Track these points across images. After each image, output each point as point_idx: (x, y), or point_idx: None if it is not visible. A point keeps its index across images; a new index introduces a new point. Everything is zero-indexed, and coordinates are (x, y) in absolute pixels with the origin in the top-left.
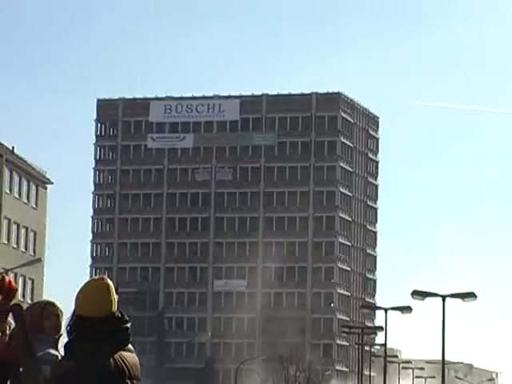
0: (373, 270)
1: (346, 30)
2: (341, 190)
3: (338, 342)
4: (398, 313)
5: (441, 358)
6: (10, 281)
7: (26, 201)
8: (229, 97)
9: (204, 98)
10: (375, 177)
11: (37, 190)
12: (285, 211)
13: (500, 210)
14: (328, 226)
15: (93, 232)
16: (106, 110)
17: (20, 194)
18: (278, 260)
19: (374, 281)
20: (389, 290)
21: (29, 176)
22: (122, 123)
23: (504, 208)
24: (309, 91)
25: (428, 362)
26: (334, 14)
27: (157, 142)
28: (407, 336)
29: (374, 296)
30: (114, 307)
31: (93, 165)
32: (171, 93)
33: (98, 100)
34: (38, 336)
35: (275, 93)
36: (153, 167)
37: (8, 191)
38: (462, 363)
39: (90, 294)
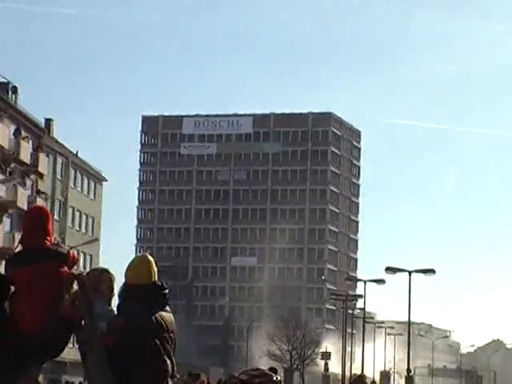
0: (355, 250)
1: (337, 64)
2: (331, 188)
3: (328, 306)
4: (374, 284)
5: (407, 320)
6: (73, 254)
7: (86, 194)
8: (244, 115)
9: (225, 115)
10: (358, 178)
11: (95, 185)
12: (287, 204)
13: (457, 200)
14: (320, 217)
15: (137, 219)
16: (149, 124)
17: (82, 189)
18: (282, 242)
19: (356, 259)
20: (367, 266)
21: (89, 174)
22: (161, 135)
23: (460, 198)
24: (306, 111)
25: (397, 322)
26: (327, 51)
27: (188, 149)
28: (381, 302)
29: (355, 271)
30: (155, 277)
31: (138, 167)
32: (200, 111)
33: (143, 116)
34: (96, 296)
35: (280, 112)
36: (185, 169)
37: (72, 186)
38: (423, 323)
39: (135, 266)
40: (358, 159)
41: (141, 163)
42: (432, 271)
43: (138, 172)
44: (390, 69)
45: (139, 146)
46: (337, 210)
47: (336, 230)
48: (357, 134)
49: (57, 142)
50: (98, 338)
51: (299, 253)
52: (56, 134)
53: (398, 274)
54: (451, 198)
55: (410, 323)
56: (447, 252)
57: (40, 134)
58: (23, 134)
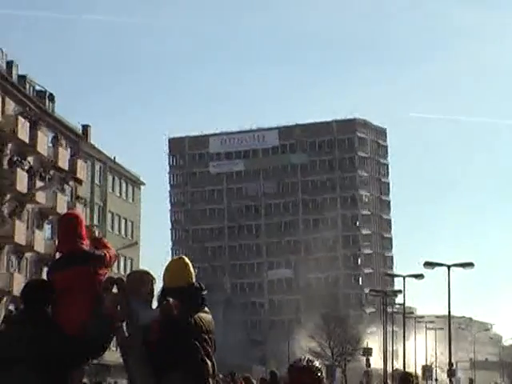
0: (389, 248)
1: (357, 65)
2: (360, 192)
3: (368, 310)
4: (413, 280)
5: (447, 314)
6: (110, 255)
7: (124, 198)
8: (269, 128)
9: (250, 131)
10: (386, 176)
11: (133, 189)
12: (318, 214)
13: (491, 192)
14: (353, 222)
15: (172, 240)
16: (176, 145)
17: (120, 193)
18: (316, 252)
19: (391, 257)
20: (405, 263)
21: (126, 179)
22: (188, 155)
23: (494, 191)
24: (330, 119)
25: (437, 316)
26: (345, 54)
27: (216, 168)
28: (420, 297)
29: (391, 269)
30: (192, 279)
31: (168, 188)
32: (225, 129)
33: (170, 139)
34: (136, 298)
35: (305, 122)
36: (215, 188)
37: (111, 191)
38: (464, 317)
39: (173, 269)
40: (386, 157)
41: (171, 185)
42: (470, 264)
43: (168, 194)
44: (411, 65)
45: (168, 168)
46: (368, 213)
47: (369, 232)
48: (382, 133)
49: (94, 147)
50: (138, 341)
51: (334, 260)
52: (93, 139)
53: (437, 268)
54: (485, 190)
55: (450, 317)
56: (485, 244)
57: (77, 140)
58: (61, 141)
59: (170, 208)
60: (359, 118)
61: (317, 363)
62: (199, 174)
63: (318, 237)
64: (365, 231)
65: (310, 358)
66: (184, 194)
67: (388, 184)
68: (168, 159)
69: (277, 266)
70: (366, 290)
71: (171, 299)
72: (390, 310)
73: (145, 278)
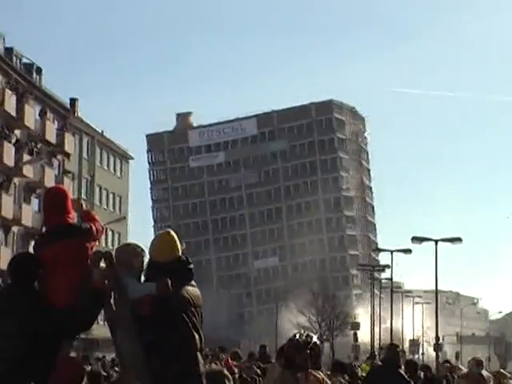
0: (374, 231)
1: (333, 46)
2: (341, 174)
3: (354, 291)
4: (401, 254)
5: (434, 288)
6: (97, 228)
7: (113, 172)
8: (247, 117)
9: (228, 121)
10: (366, 156)
11: (121, 163)
12: (301, 198)
13: (478, 168)
14: (336, 204)
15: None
16: (154, 141)
17: (108, 167)
18: (301, 237)
19: (376, 242)
20: (393, 239)
21: (115, 153)
22: (168, 151)
23: (488, 165)
24: (308, 102)
25: (424, 291)
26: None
27: (196, 161)
28: (408, 272)
29: (375, 237)
30: (179, 252)
31: (149, 185)
32: (202, 122)
33: (147, 135)
34: (128, 271)
35: (282, 108)
36: (196, 182)
37: (99, 165)
38: (451, 291)
39: (160, 243)
40: (365, 136)
41: (151, 181)
42: (458, 239)
43: (149, 190)
44: (390, 42)
45: (147, 165)
46: (351, 194)
47: (353, 214)
48: (360, 113)
49: (82, 121)
50: (127, 315)
51: (320, 244)
52: (81, 113)
53: (425, 243)
54: (472, 166)
55: (437, 292)
56: (473, 220)
57: (65, 113)
58: (48, 114)
59: (151, 204)
60: (336, 100)
61: (315, 338)
62: (180, 169)
63: (301, 221)
64: (348, 213)
65: (310, 334)
66: (166, 190)
67: (368, 163)
68: (147, 156)
69: (263, 255)
70: (353, 271)
71: (168, 279)
72: (377, 287)
73: (135, 251)
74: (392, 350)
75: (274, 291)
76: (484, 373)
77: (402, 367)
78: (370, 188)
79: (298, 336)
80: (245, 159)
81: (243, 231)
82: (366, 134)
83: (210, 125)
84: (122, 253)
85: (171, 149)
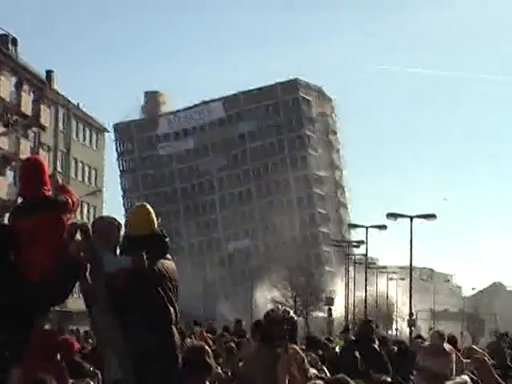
0: (345, 209)
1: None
2: (310, 152)
3: (327, 268)
4: (376, 230)
5: (409, 264)
6: (73, 201)
7: (88, 145)
8: (213, 100)
9: (195, 106)
10: (335, 135)
11: (97, 136)
12: (270, 178)
13: (458, 145)
14: (305, 183)
15: None
16: (123, 131)
17: (84, 140)
18: (272, 217)
19: (348, 221)
20: (367, 216)
21: (91, 126)
22: (136, 140)
23: (461, 142)
24: (273, 82)
25: (399, 267)
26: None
27: (165, 149)
28: (383, 248)
29: (349, 230)
30: (154, 226)
31: (118, 173)
32: (170, 102)
33: (114, 124)
34: (104, 244)
35: (248, 89)
36: (166, 170)
37: (75, 137)
38: (425, 268)
39: (135, 217)
40: (333, 117)
41: (121, 171)
42: (433, 216)
43: (119, 180)
44: (358, 19)
45: (116, 155)
46: (322, 174)
47: (322, 193)
48: (324, 94)
49: (58, 93)
50: (102, 287)
51: (291, 223)
52: (57, 85)
53: (400, 219)
54: (449, 143)
55: (411, 268)
56: (447, 196)
57: (41, 86)
58: (24, 86)
59: (122, 194)
60: (302, 79)
61: (292, 314)
62: (149, 158)
63: (272, 201)
64: (318, 191)
65: (286, 309)
66: (135, 180)
67: (338, 141)
68: (115, 146)
69: (235, 237)
70: (326, 249)
71: (143, 253)
72: (351, 264)
73: (112, 224)
74: (365, 325)
75: (248, 271)
76: (446, 346)
77: (376, 342)
78: (339, 167)
79: (274, 311)
80: (213, 143)
81: (214, 216)
82: (333, 114)
83: (178, 111)
84: (98, 226)
85: (140, 137)
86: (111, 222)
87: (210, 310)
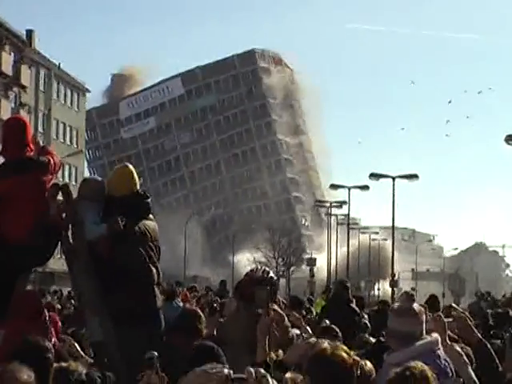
0: (315, 172)
1: None
2: (274, 118)
3: (305, 232)
4: (358, 190)
5: (391, 225)
6: (55, 162)
7: (69, 105)
8: (171, 77)
9: (153, 86)
10: (299, 100)
11: (78, 97)
12: (237, 147)
13: (439, 107)
14: (272, 148)
15: None
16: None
17: (65, 101)
18: (243, 186)
19: (320, 184)
20: (350, 175)
21: (72, 86)
22: (98, 126)
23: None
24: (230, 54)
25: (381, 227)
26: None
27: (128, 132)
28: (365, 209)
29: (321, 190)
30: (136, 187)
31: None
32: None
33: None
34: (90, 205)
35: (205, 63)
36: (131, 152)
37: (56, 98)
38: (407, 228)
39: (117, 178)
40: (294, 83)
41: (88, 161)
42: (415, 176)
43: (87, 171)
44: None
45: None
46: (286, 138)
47: (291, 157)
48: (285, 63)
49: (39, 53)
50: (83, 247)
51: (262, 189)
52: (38, 45)
53: (382, 180)
54: (431, 104)
55: (393, 228)
56: (429, 156)
57: (21, 45)
58: (4, 46)
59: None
60: (258, 48)
61: (272, 274)
62: (113, 143)
63: (241, 171)
64: (287, 156)
65: (266, 269)
66: (103, 167)
67: (301, 106)
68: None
69: (207, 210)
70: (301, 213)
71: (119, 218)
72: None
73: (98, 184)
74: (340, 285)
75: (228, 237)
76: (415, 306)
77: (353, 302)
78: (304, 131)
79: (254, 271)
80: (176, 120)
81: (185, 191)
82: (293, 79)
83: (136, 92)
84: (82, 187)
85: (102, 124)
86: (96, 182)
87: (192, 273)
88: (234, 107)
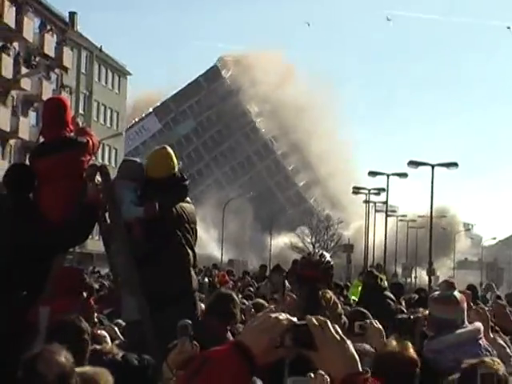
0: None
1: None
2: (256, 121)
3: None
4: (397, 178)
5: (429, 213)
6: (93, 142)
7: (110, 88)
8: (145, 116)
9: (128, 129)
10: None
11: (119, 79)
12: (234, 159)
13: (476, 92)
14: (265, 149)
15: None
16: None
17: (106, 83)
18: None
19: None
20: (390, 162)
21: (113, 69)
22: None
23: (478, 90)
24: (194, 78)
25: (419, 216)
26: None
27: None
28: (403, 196)
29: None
30: (175, 169)
31: None
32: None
33: None
34: (127, 186)
35: (174, 92)
36: None
37: (97, 80)
38: (445, 216)
39: (155, 159)
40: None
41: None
42: (455, 164)
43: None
44: None
45: None
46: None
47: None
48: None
49: (81, 35)
50: (121, 228)
51: (257, 175)
52: (80, 28)
53: (421, 167)
54: (470, 91)
55: (431, 216)
56: (470, 145)
57: (64, 27)
58: (48, 27)
59: None
60: (217, 65)
61: (329, 258)
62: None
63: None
64: (280, 152)
65: (324, 253)
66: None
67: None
68: None
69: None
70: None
71: (155, 203)
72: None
73: (137, 165)
74: (369, 274)
75: (260, 219)
76: (456, 294)
77: (387, 289)
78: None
79: (312, 254)
80: None
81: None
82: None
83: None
84: (122, 167)
85: None
86: (135, 163)
87: (228, 256)
88: (214, 125)
